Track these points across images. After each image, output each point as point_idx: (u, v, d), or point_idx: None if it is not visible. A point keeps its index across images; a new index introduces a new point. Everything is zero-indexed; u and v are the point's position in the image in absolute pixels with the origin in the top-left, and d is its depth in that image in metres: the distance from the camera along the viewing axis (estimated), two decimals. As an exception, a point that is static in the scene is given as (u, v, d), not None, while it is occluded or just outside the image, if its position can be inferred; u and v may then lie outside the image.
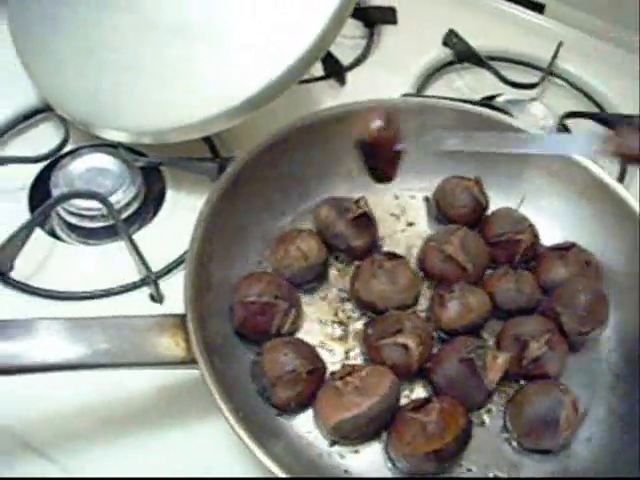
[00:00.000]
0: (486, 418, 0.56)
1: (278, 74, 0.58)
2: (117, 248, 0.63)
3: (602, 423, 0.56)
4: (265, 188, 0.61)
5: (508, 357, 0.54)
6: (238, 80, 0.59)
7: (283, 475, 0.45)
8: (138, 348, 0.49)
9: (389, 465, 0.52)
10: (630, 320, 0.60)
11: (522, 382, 0.57)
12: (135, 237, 0.62)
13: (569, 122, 0.76)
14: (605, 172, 0.63)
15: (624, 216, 0.62)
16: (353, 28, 0.82)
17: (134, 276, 0.61)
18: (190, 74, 0.61)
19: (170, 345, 0.49)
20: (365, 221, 0.60)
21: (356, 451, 0.53)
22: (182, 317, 0.50)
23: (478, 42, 0.82)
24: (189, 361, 0.49)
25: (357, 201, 0.61)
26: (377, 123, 0.53)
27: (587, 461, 0.55)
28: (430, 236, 0.63)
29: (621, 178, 0.73)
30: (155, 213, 0.66)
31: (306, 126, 0.63)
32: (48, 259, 0.62)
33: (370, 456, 0.53)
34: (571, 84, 0.81)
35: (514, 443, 0.55)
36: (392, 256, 0.59)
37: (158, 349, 0.49)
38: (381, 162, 0.56)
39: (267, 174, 0.60)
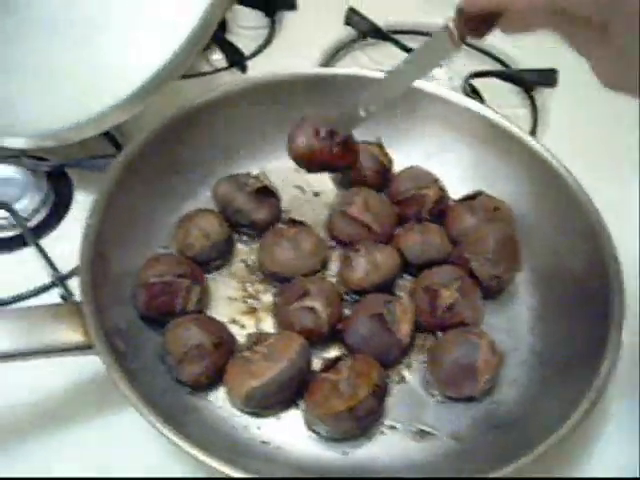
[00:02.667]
0: (406, 373, 0.55)
1: (159, 66, 0.58)
2: (28, 254, 0.62)
3: (524, 365, 0.56)
4: (162, 174, 0.60)
5: (414, 306, 0.54)
6: (125, 73, 0.59)
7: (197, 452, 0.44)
8: (36, 336, 0.48)
9: (309, 432, 0.51)
10: (547, 263, 0.60)
11: (441, 334, 0.56)
12: (46, 240, 0.63)
13: (476, 83, 0.76)
14: (505, 119, 0.63)
15: (531, 161, 0.62)
16: (254, 18, 0.83)
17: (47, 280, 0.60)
18: (78, 71, 0.61)
19: (68, 331, 0.49)
20: (265, 194, 0.60)
21: (275, 420, 0.52)
22: (78, 303, 0.50)
23: (380, 17, 0.82)
24: (87, 346, 0.48)
25: (256, 175, 0.60)
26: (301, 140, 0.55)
27: (511, 405, 0.54)
28: (334, 202, 0.62)
29: (534, 128, 0.73)
30: (65, 215, 0.65)
31: (200, 108, 0.62)
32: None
33: (289, 424, 0.52)
34: (474, 46, 0.81)
35: (437, 395, 0.54)
36: (294, 223, 0.58)
37: (56, 336, 0.49)
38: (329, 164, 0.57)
39: (162, 160, 0.60)
